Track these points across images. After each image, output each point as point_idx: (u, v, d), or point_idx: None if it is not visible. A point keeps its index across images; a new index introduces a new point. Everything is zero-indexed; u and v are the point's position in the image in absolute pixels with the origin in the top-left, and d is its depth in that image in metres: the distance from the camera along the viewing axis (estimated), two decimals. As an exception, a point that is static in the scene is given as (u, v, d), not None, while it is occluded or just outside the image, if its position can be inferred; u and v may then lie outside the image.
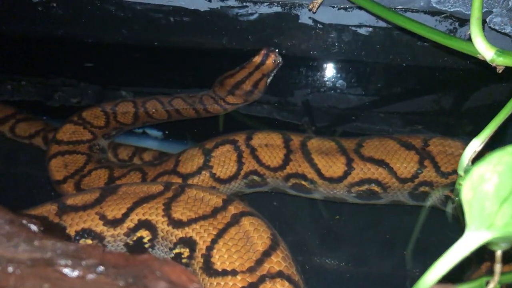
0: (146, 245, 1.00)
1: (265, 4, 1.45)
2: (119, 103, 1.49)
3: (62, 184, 1.28)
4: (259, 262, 0.89)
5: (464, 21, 1.37)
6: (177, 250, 0.97)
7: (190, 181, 1.23)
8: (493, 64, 0.95)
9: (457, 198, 0.78)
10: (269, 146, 1.26)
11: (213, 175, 1.24)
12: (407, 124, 1.53)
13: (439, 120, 1.53)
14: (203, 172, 1.23)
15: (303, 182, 1.23)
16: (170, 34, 1.60)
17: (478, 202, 0.48)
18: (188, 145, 1.50)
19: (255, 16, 1.49)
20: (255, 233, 0.94)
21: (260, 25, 1.51)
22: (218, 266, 0.90)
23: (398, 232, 1.27)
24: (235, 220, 0.95)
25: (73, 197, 1.04)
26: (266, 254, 0.91)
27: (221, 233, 0.94)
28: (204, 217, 0.97)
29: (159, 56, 1.67)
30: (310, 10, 1.35)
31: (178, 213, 0.98)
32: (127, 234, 0.99)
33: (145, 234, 0.99)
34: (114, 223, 0.99)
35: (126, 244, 1.00)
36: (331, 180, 1.22)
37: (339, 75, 1.59)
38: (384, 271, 1.19)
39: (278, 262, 0.90)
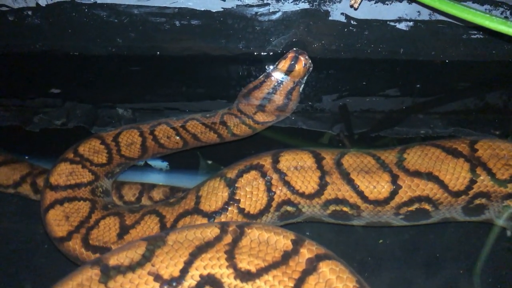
0: None
1: (290, 0, 1.24)
2: (122, 131, 1.24)
3: (66, 242, 1.05)
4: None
5: (517, 8, 1.22)
6: None
7: (217, 221, 1.04)
8: None
9: None
10: (300, 168, 1.09)
11: (241, 211, 1.05)
12: (450, 125, 1.38)
13: (485, 118, 1.39)
14: (230, 209, 1.05)
15: (344, 209, 1.08)
16: (175, 41, 1.36)
17: None
18: (200, 175, 1.30)
19: (278, 15, 1.27)
20: (339, 282, 0.81)
21: (284, 25, 1.30)
22: (302, 326, 0.77)
23: (448, 251, 1.14)
24: (312, 267, 0.82)
25: (115, 255, 0.85)
26: (356, 308, 0.77)
27: (299, 284, 0.80)
28: (275, 265, 0.82)
29: (162, 66, 1.43)
30: (351, 6, 1.15)
31: (245, 262, 0.83)
32: None
33: None
34: (173, 283, 0.82)
35: None
36: (376, 202, 1.06)
37: (374, 75, 1.41)
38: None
39: (371, 317, 0.76)
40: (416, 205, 1.08)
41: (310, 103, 1.42)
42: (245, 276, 0.82)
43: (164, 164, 1.34)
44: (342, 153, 1.12)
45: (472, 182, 1.07)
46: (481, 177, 1.07)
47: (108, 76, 1.46)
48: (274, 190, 1.07)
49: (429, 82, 1.40)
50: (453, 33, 1.29)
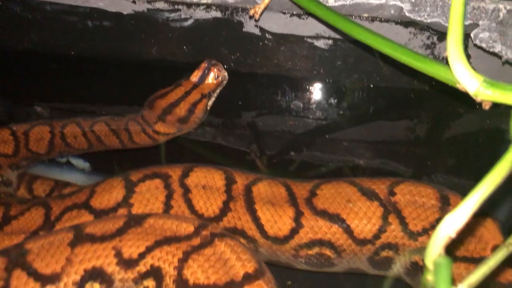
0: None
1: (201, 7, 1.17)
2: (35, 126, 1.24)
3: None
4: None
5: (444, 34, 1.11)
6: None
7: None
8: (477, 99, 0.70)
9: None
10: (207, 188, 1.03)
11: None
12: (376, 156, 1.27)
13: (414, 151, 1.27)
14: (120, 210, 1.00)
15: (241, 240, 1.00)
16: (88, 42, 1.31)
17: None
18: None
19: (190, 22, 1.21)
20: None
21: (197, 33, 1.23)
22: None
23: None
24: None
25: (92, 224, 0.89)
26: None
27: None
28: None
29: (78, 67, 1.38)
30: (251, 17, 1.07)
31: (190, 270, 0.81)
32: (135, 281, 0.84)
33: (151, 285, 0.84)
34: (128, 264, 0.84)
35: None
36: (275, 240, 0.98)
37: (293, 94, 1.31)
38: None
39: None
40: (316, 249, 0.99)
41: (229, 118, 1.34)
42: (185, 285, 0.79)
43: (86, 165, 1.31)
44: (257, 179, 1.04)
45: (381, 231, 0.97)
46: (392, 226, 0.97)
47: (26, 72, 1.42)
48: (172, 204, 1.00)
49: (354, 108, 1.30)
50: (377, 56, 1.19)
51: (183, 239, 0.85)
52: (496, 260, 0.62)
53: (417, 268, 0.96)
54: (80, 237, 0.85)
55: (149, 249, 0.84)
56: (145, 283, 0.83)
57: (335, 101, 1.30)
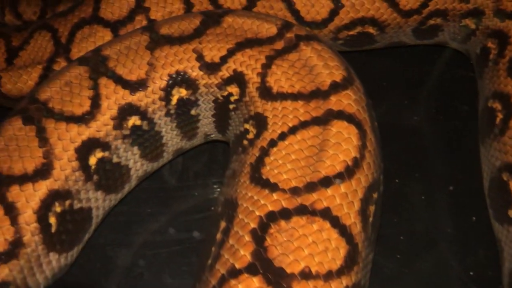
0: (231, 106, 0.82)
1: None
2: None
3: None
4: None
5: None
6: (246, 126, 0.78)
7: (121, 32, 0.92)
8: None
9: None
10: None
11: (151, 22, 0.92)
12: None
13: None
14: (138, 18, 0.93)
15: None
16: None
17: None
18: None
19: None
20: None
21: None
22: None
23: (393, 78, 1.08)
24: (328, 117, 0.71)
25: (168, 24, 0.82)
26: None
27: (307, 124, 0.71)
28: (300, 97, 0.73)
29: None
30: None
31: (274, 77, 0.76)
32: (219, 86, 0.81)
33: (234, 91, 0.80)
34: (211, 68, 0.80)
35: (216, 100, 0.82)
36: (313, 25, 0.95)
37: None
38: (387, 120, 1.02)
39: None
40: (358, 29, 0.96)
41: None
42: (269, 93, 0.75)
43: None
44: None
45: (428, -2, 0.92)
46: (440, -9, 0.92)
47: None
48: (193, 2, 0.94)
49: None
50: None
51: (265, 42, 0.78)
52: None
53: (468, 32, 0.95)
54: (156, 39, 0.79)
55: (230, 52, 0.79)
56: (229, 89, 0.80)
57: None
